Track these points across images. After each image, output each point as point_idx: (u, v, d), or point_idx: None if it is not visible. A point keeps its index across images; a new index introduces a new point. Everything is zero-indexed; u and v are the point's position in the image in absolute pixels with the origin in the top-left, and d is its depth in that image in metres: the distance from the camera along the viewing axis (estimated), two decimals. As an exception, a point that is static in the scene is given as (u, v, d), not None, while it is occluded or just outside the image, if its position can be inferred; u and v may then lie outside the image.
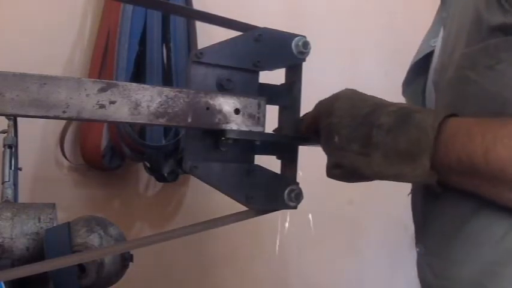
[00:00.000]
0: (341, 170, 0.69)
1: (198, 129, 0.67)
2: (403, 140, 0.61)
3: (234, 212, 0.72)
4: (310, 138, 0.77)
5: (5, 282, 0.99)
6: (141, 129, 1.57)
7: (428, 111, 0.63)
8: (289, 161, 0.76)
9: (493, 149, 0.56)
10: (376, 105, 0.66)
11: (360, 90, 0.73)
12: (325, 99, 0.73)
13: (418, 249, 0.77)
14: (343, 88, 0.74)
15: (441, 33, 0.78)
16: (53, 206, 1.16)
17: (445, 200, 0.65)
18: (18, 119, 1.29)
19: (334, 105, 0.69)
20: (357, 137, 0.65)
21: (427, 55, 0.83)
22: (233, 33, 0.71)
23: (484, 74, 0.63)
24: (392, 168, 0.62)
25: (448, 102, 0.69)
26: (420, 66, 0.84)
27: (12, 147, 1.28)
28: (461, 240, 0.66)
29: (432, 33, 0.84)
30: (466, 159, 0.58)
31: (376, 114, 0.65)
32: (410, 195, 0.81)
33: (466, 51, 0.65)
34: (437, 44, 0.79)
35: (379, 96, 0.71)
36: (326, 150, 0.71)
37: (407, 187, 0.79)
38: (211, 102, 0.64)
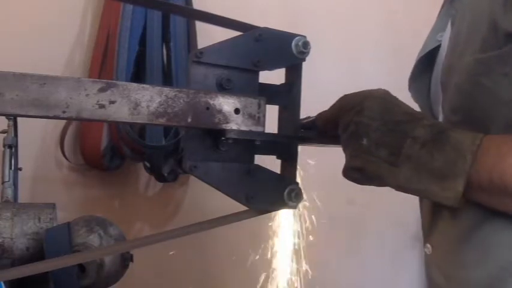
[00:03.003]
0: (362, 174, 0.65)
1: (198, 129, 0.67)
2: (438, 158, 0.60)
3: (234, 212, 0.72)
4: (309, 138, 0.76)
5: (5, 282, 0.99)
6: (141, 129, 1.57)
7: (463, 132, 0.61)
8: (289, 161, 0.76)
9: None
10: (411, 115, 0.64)
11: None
12: (353, 94, 0.69)
13: (426, 249, 0.76)
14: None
15: (449, 31, 0.77)
16: (53, 206, 1.16)
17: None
18: (18, 119, 1.29)
19: (365, 104, 0.66)
20: (386, 144, 0.63)
21: (432, 50, 0.81)
22: (233, 33, 0.71)
23: (498, 81, 0.62)
24: (419, 184, 0.61)
25: (458, 106, 0.68)
26: (426, 61, 0.82)
27: (12, 147, 1.28)
28: (472, 243, 0.65)
29: (439, 27, 0.82)
30: (497, 180, 0.57)
31: (411, 124, 0.63)
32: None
33: (480, 57, 0.64)
34: (444, 40, 0.78)
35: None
36: (350, 150, 0.67)
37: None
38: (211, 102, 0.64)
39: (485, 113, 0.64)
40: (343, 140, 0.68)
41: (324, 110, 0.74)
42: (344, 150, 0.69)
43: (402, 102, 0.68)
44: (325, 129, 0.73)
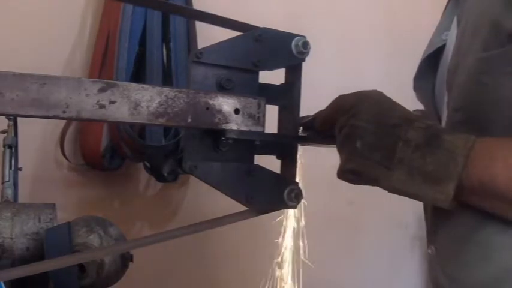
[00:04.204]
0: (357, 176, 0.66)
1: (198, 129, 0.67)
2: (431, 161, 0.60)
3: (234, 212, 0.72)
4: (310, 138, 0.76)
5: (5, 282, 0.99)
6: (141, 129, 1.57)
7: (456, 134, 0.61)
8: (289, 161, 0.76)
9: None
10: (405, 118, 0.64)
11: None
12: (349, 96, 0.69)
13: (429, 251, 0.76)
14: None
15: (454, 30, 0.76)
16: (53, 206, 1.16)
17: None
18: (18, 119, 1.29)
19: (361, 106, 0.66)
20: (380, 147, 0.63)
21: (436, 49, 0.81)
22: (233, 33, 0.71)
23: (501, 81, 0.62)
24: (413, 187, 0.61)
25: (460, 105, 0.68)
26: (431, 60, 0.82)
27: (12, 147, 1.28)
28: (474, 244, 0.65)
29: (444, 25, 0.82)
30: (488, 183, 0.58)
31: (404, 127, 0.63)
32: None
33: (482, 56, 0.64)
34: (450, 39, 0.78)
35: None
36: (344, 152, 0.68)
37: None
38: (211, 102, 0.64)
39: (487, 112, 0.64)
40: (338, 141, 0.68)
41: (321, 109, 0.74)
42: (339, 151, 0.69)
43: (398, 104, 0.68)
44: (323, 129, 0.73)
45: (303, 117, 0.77)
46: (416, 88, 0.87)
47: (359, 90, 0.71)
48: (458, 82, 0.69)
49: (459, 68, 0.69)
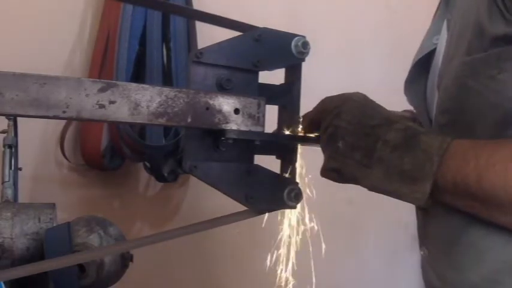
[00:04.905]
0: (339, 174, 0.69)
1: (198, 129, 0.67)
2: (408, 161, 0.62)
3: (234, 212, 0.72)
4: (309, 138, 0.77)
5: (5, 282, 0.99)
6: (141, 129, 1.57)
7: (434, 135, 0.63)
8: (289, 161, 0.76)
9: (486, 175, 0.57)
10: (386, 119, 0.66)
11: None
12: (334, 97, 0.72)
13: (422, 252, 0.77)
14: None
15: (444, 34, 0.77)
16: (53, 206, 1.16)
17: (442, 207, 0.66)
18: (18, 119, 1.29)
19: (344, 107, 0.68)
20: (361, 147, 0.65)
21: (427, 53, 0.82)
22: (233, 33, 0.71)
23: (485, 84, 0.63)
24: (391, 186, 0.63)
25: (445, 108, 0.69)
26: (422, 65, 0.83)
27: (12, 147, 1.28)
28: (463, 246, 0.66)
29: (434, 30, 0.84)
30: (460, 182, 0.59)
31: (384, 128, 0.65)
32: None
33: (466, 60, 0.65)
34: (440, 44, 0.79)
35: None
36: (327, 151, 0.70)
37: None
38: (211, 102, 0.64)
39: (471, 115, 0.65)
40: (322, 141, 0.71)
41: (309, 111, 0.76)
42: (323, 151, 0.72)
43: (380, 106, 0.70)
44: (310, 129, 0.75)
45: None
46: (407, 91, 0.88)
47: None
48: (445, 85, 0.70)
49: (446, 71, 0.70)
